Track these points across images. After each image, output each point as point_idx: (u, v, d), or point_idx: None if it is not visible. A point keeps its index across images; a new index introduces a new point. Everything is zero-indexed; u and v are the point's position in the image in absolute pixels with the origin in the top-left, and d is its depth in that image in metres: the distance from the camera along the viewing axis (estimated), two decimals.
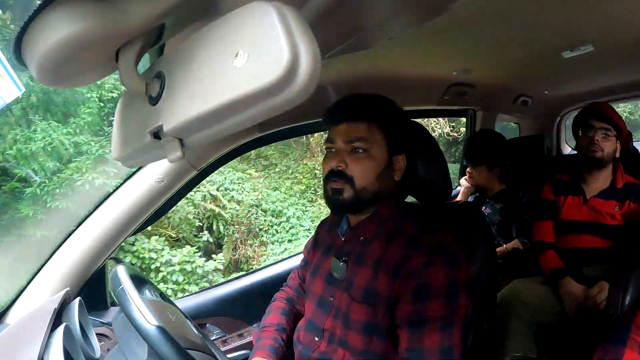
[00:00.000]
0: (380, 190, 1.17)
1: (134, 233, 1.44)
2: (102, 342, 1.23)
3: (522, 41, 1.54)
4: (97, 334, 1.18)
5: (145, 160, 0.68)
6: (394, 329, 1.09)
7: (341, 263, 1.20)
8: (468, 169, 2.46)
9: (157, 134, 0.55)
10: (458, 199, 2.58)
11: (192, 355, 0.93)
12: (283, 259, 2.16)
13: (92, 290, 1.39)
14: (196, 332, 1.18)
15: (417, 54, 1.52)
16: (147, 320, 0.91)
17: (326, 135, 1.24)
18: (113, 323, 1.03)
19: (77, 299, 1.09)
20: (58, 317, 1.00)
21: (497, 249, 2.24)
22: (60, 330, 0.94)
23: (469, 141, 2.53)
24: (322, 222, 1.45)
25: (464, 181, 2.57)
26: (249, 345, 1.76)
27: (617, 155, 2.09)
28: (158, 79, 0.53)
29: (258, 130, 1.47)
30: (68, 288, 1.16)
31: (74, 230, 1.34)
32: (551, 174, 2.26)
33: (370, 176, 1.15)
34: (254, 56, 0.42)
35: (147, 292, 1.17)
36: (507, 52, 1.69)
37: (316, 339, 1.21)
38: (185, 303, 1.81)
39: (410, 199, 1.37)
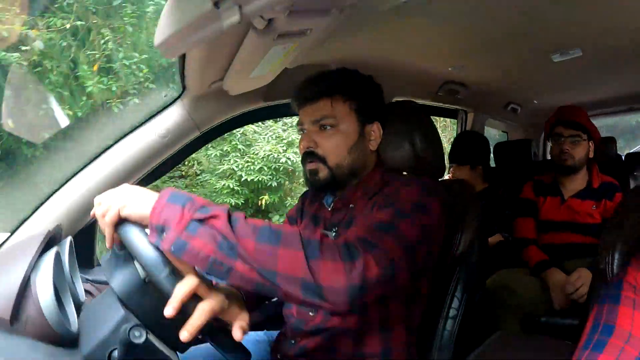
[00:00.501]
0: (355, 163, 1.20)
1: None
2: (86, 297, 1.15)
3: (513, 41, 1.59)
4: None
5: (196, 37, 0.71)
6: None
7: (332, 234, 1.20)
8: (452, 168, 2.57)
9: (217, 3, 0.59)
10: None
11: None
12: None
13: (81, 245, 1.35)
14: None
15: (415, 45, 1.56)
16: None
17: None
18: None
19: (69, 238, 1.06)
20: (48, 245, 0.97)
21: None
22: (51, 252, 0.91)
23: (454, 142, 2.63)
24: (304, 193, 1.45)
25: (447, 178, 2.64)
26: None
27: (591, 155, 2.18)
28: None
29: (262, 99, 1.51)
30: (60, 223, 1.14)
31: (70, 178, 1.33)
32: (532, 176, 2.34)
33: (342, 152, 1.18)
34: None
35: None
36: (499, 52, 1.73)
37: (311, 313, 1.19)
38: None
39: None
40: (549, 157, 3.35)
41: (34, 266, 0.87)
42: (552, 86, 2.42)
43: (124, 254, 0.89)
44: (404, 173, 1.36)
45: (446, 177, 2.65)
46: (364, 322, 1.13)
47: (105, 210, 0.86)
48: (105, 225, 0.87)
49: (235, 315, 0.96)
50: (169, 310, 0.83)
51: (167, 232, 0.82)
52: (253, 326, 1.51)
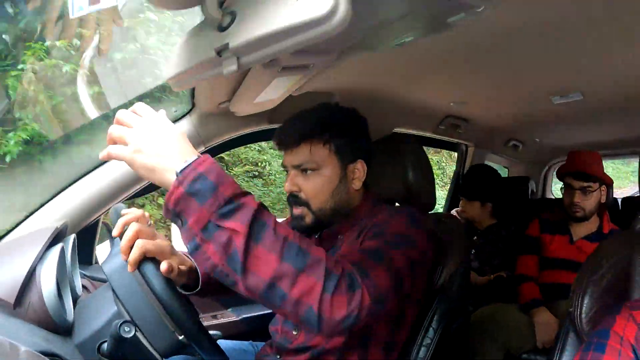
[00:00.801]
0: (338, 204, 1.20)
1: (133, 197, 1.49)
2: (82, 292, 1.23)
3: (515, 81, 1.62)
4: None
5: (199, 77, 0.82)
6: None
7: None
8: (461, 203, 2.54)
9: (220, 52, 0.70)
10: None
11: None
12: None
13: (81, 244, 1.39)
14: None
15: (419, 79, 1.59)
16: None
17: None
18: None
19: (73, 235, 1.13)
20: (55, 241, 1.03)
21: (483, 277, 2.33)
22: (57, 249, 0.97)
23: (465, 175, 2.61)
24: (287, 220, 1.44)
25: (455, 215, 2.64)
26: (221, 327, 1.80)
27: (603, 200, 2.18)
28: (230, 14, 0.68)
29: (267, 121, 1.58)
30: (67, 220, 1.19)
31: (76, 180, 1.38)
32: (537, 213, 2.35)
33: (324, 195, 1.18)
34: None
35: None
36: (500, 90, 1.76)
37: (294, 332, 1.21)
38: None
39: None
40: (548, 196, 3.41)
41: (40, 258, 0.94)
42: (553, 125, 2.44)
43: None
44: (396, 204, 1.42)
45: (454, 212, 2.68)
46: (347, 340, 1.15)
47: (120, 134, 0.83)
48: (117, 155, 0.84)
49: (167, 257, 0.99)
50: (115, 232, 0.91)
51: (184, 226, 0.80)
52: (240, 336, 1.57)
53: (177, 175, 0.79)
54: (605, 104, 1.86)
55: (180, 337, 0.93)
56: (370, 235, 1.10)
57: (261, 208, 0.83)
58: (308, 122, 1.20)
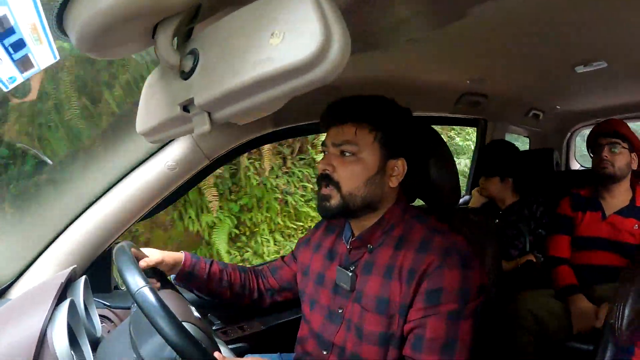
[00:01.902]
0: (370, 196, 1.13)
1: (142, 219, 1.46)
2: (103, 324, 1.25)
3: (536, 53, 1.54)
4: (99, 315, 1.19)
5: (171, 134, 0.70)
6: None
7: (349, 273, 1.16)
8: (481, 180, 2.41)
9: (186, 108, 0.58)
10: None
11: (187, 327, 0.93)
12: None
13: (97, 272, 1.41)
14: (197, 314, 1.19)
15: (433, 60, 1.52)
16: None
17: None
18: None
19: (83, 277, 1.10)
20: (63, 292, 1.02)
21: (510, 262, 2.22)
22: (65, 304, 0.95)
23: (482, 152, 2.51)
24: (319, 222, 1.42)
25: (476, 193, 2.53)
26: (249, 338, 1.75)
27: (635, 167, 2.07)
28: (191, 55, 0.55)
29: (272, 125, 1.49)
30: (75, 265, 1.17)
31: (83, 211, 1.36)
32: (566, 189, 2.25)
33: (357, 181, 1.11)
34: (290, 36, 0.45)
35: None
36: (521, 63, 1.69)
37: (324, 352, 1.19)
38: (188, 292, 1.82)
39: (418, 203, 1.37)
40: (573, 166, 3.29)
41: (50, 318, 0.92)
42: (575, 93, 2.35)
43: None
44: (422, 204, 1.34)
45: (474, 192, 2.57)
46: None
47: None
48: None
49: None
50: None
51: None
52: (268, 347, 1.53)
53: None
54: (629, 68, 1.78)
55: None
56: (425, 294, 1.05)
57: None
58: (359, 105, 1.15)
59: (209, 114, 0.56)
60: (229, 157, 1.53)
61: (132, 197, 1.35)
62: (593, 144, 2.13)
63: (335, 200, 1.12)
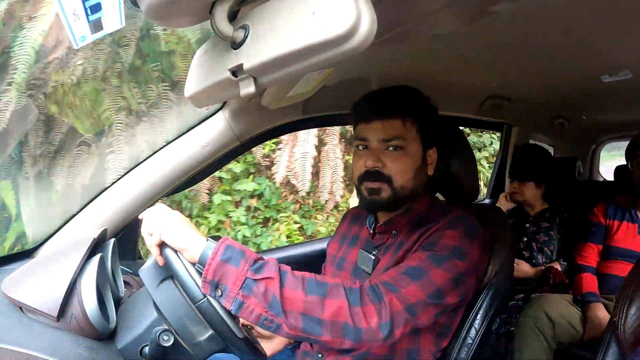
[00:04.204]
0: (416, 186, 1.16)
1: (170, 193, 1.51)
2: (125, 288, 1.27)
3: (562, 61, 1.54)
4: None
5: (217, 98, 0.78)
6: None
7: (372, 257, 1.19)
8: (513, 184, 2.38)
9: (235, 73, 0.65)
10: None
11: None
12: (309, 241, 2.20)
13: (124, 240, 1.46)
14: None
15: (459, 60, 1.53)
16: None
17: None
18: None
19: (113, 239, 1.14)
20: (94, 249, 1.06)
21: (535, 269, 2.22)
22: (96, 259, 1.00)
23: (515, 155, 2.47)
24: (345, 215, 1.45)
25: (503, 199, 2.51)
26: None
27: None
28: (242, 29, 0.63)
29: (301, 112, 1.54)
30: (106, 227, 1.22)
31: (117, 180, 1.41)
32: (589, 199, 2.22)
33: (408, 174, 1.13)
34: (326, 14, 0.52)
35: None
36: (547, 70, 1.69)
37: (319, 355, 1.24)
38: None
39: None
40: (596, 178, 3.26)
41: (80, 270, 0.96)
42: (602, 103, 2.32)
43: (166, 271, 0.98)
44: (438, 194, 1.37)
45: (502, 197, 2.55)
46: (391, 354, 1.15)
47: (150, 231, 0.95)
48: (150, 245, 0.96)
49: None
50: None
51: (225, 291, 0.90)
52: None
53: (208, 249, 0.91)
54: None
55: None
56: (424, 244, 1.10)
57: (276, 261, 0.95)
58: (403, 97, 1.17)
59: (255, 79, 0.64)
60: (259, 140, 1.58)
61: (163, 170, 1.39)
62: (632, 156, 2.09)
63: (386, 194, 1.13)
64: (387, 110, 1.14)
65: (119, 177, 1.40)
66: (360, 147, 1.18)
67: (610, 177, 2.94)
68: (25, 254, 1.36)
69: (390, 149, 1.13)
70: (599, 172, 3.37)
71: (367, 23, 0.51)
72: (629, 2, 1.02)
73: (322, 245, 1.92)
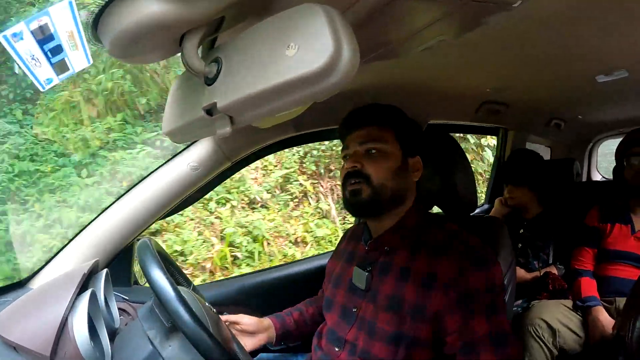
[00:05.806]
0: (398, 188, 1.18)
1: (163, 217, 1.49)
2: (121, 317, 1.28)
3: (557, 62, 1.53)
4: (118, 309, 1.23)
5: (194, 135, 0.75)
6: (418, 340, 1.08)
7: (366, 273, 1.19)
8: (508, 189, 2.38)
9: (209, 111, 0.62)
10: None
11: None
12: (308, 257, 2.17)
13: (118, 267, 1.45)
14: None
15: (452, 68, 1.53)
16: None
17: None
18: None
19: (105, 270, 1.14)
20: (85, 283, 1.05)
21: (531, 274, 2.20)
22: (87, 294, 0.99)
23: (509, 160, 2.46)
24: (345, 232, 1.47)
25: (499, 203, 2.48)
26: None
27: None
28: (215, 63, 0.59)
29: (293, 129, 1.52)
30: (98, 259, 1.21)
31: (108, 207, 1.39)
32: (587, 200, 2.20)
33: (386, 173, 1.16)
34: (303, 48, 0.49)
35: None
36: (542, 72, 1.68)
37: (336, 349, 1.20)
38: (205, 290, 1.83)
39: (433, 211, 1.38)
40: (595, 177, 3.23)
41: (71, 307, 0.95)
42: (597, 103, 2.31)
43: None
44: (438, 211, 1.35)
45: (497, 202, 2.51)
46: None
47: None
48: None
49: None
50: None
51: None
52: (282, 349, 1.55)
53: None
54: None
55: None
56: (455, 298, 1.06)
57: None
58: (380, 110, 1.23)
59: (231, 118, 0.61)
60: (250, 160, 1.56)
61: (154, 195, 1.38)
62: (627, 153, 2.06)
63: (366, 193, 1.16)
64: (365, 119, 1.21)
65: (111, 203, 1.39)
66: (346, 157, 1.23)
67: (609, 176, 2.91)
68: (19, 284, 1.36)
69: (369, 152, 1.18)
70: (598, 171, 3.34)
71: (347, 56, 0.47)
72: (622, 2, 1.01)
73: (322, 262, 1.89)
